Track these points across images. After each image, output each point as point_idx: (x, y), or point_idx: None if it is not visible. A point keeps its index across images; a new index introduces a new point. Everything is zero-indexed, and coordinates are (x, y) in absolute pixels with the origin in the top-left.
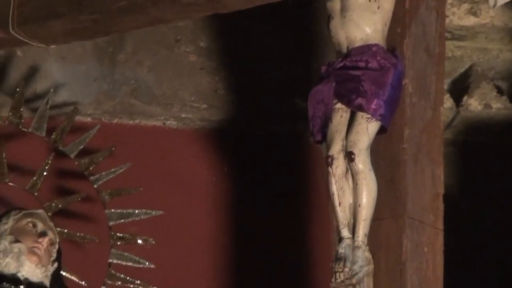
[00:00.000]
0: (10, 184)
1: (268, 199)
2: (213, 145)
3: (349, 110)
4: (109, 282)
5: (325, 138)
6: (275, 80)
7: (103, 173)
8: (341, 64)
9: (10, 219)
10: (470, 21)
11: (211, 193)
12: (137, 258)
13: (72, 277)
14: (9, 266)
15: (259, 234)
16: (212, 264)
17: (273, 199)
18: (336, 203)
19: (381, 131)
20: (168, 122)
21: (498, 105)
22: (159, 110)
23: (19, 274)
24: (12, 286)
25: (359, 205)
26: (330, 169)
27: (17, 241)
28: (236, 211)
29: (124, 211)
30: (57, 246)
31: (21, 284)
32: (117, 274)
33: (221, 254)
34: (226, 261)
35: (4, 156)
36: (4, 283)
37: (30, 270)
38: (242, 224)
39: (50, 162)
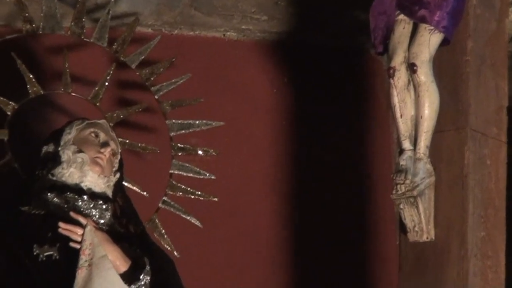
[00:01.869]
0: (73, 94)
1: (328, 110)
2: (273, 56)
3: (411, 22)
4: (170, 192)
5: (386, 50)
6: None
7: (164, 83)
8: None
9: (73, 129)
10: None
11: (271, 104)
12: (198, 169)
13: (134, 188)
14: (73, 176)
15: (319, 145)
16: (272, 174)
17: (333, 111)
18: (398, 115)
19: (444, 43)
20: (228, 33)
21: None
22: (219, 21)
23: (82, 184)
24: (76, 196)
25: (421, 117)
26: (391, 80)
27: (80, 151)
28: (296, 122)
29: (185, 122)
30: (119, 157)
31: (84, 194)
32: (178, 184)
33: (281, 163)
34: (287, 170)
35: (67, 66)
36: (68, 193)
37: (93, 180)
38: (302, 134)
39: (111, 72)
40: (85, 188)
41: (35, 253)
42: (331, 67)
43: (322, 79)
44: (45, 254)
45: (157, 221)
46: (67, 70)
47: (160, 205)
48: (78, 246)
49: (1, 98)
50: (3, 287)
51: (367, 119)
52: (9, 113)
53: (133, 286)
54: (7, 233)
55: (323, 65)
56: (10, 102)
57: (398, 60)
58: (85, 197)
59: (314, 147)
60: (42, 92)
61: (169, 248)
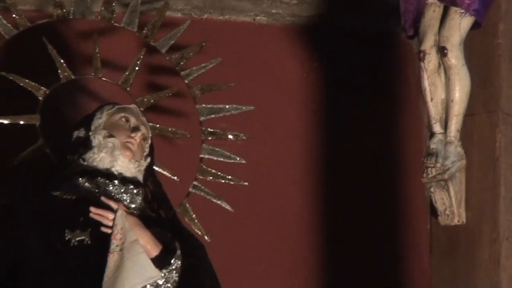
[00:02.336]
0: (103, 79)
1: (358, 95)
2: (304, 41)
3: (442, 5)
4: (201, 177)
5: (417, 33)
6: None
7: (194, 68)
8: None
9: (104, 114)
10: None
11: (301, 88)
12: (228, 153)
13: (165, 172)
14: (104, 161)
15: (349, 129)
16: (302, 158)
17: (363, 95)
18: (428, 98)
19: (475, 26)
20: (258, 17)
21: None
22: (249, 6)
23: (113, 169)
24: (107, 181)
25: (452, 100)
26: (422, 64)
27: (111, 136)
28: (326, 107)
29: (215, 106)
30: (149, 141)
31: (115, 179)
32: (208, 169)
33: (312, 148)
34: (317, 155)
35: (97, 51)
36: (99, 178)
37: (124, 165)
38: (332, 119)
39: (141, 57)
40: (116, 173)
41: (67, 238)
42: (361, 51)
43: (352, 63)
44: (77, 239)
45: (188, 206)
46: (98, 55)
47: (190, 189)
48: (109, 231)
49: (33, 83)
50: (36, 272)
51: (398, 103)
52: (40, 98)
53: (164, 271)
54: (39, 218)
55: (353, 49)
56: (42, 88)
57: (428, 44)
58: (116, 182)
59: (344, 131)
60: (73, 77)
61: (199, 233)
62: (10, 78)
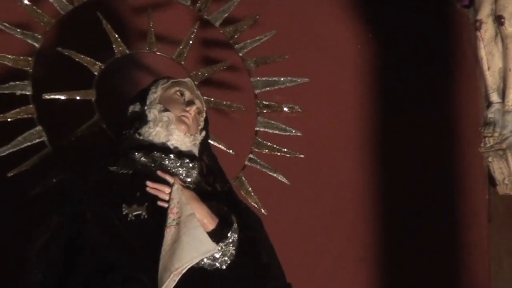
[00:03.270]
0: (158, 53)
1: (413, 65)
2: (358, 12)
3: None
4: (256, 150)
5: (473, 3)
6: None
7: (248, 41)
8: None
9: (158, 88)
10: None
11: (356, 60)
12: (284, 126)
13: (220, 146)
14: (159, 135)
15: (404, 100)
16: (357, 130)
17: (418, 65)
18: (485, 67)
19: None
20: None
21: None
22: None
23: (168, 143)
24: (163, 155)
25: (510, 69)
26: (478, 33)
27: (166, 110)
28: (381, 78)
29: (270, 79)
30: (204, 115)
31: (171, 153)
32: (264, 142)
33: (367, 121)
34: (372, 126)
35: (151, 25)
36: (155, 152)
37: (179, 138)
38: (387, 90)
39: (195, 31)
40: (171, 146)
41: (124, 213)
42: (417, 21)
43: (407, 33)
44: (134, 213)
45: (244, 179)
46: (152, 30)
47: (246, 162)
48: (165, 205)
49: (88, 59)
50: (94, 247)
51: (454, 74)
52: (96, 73)
53: (221, 244)
54: (97, 194)
55: (409, 20)
56: (97, 63)
57: (484, 13)
58: (171, 155)
59: (399, 102)
60: (127, 51)
61: (256, 206)
62: (66, 53)
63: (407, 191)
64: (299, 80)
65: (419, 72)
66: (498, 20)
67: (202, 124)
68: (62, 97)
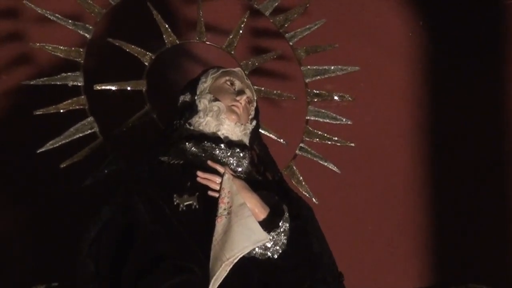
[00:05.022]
0: (208, 43)
1: (464, 54)
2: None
3: None
4: (307, 139)
5: None
6: None
7: (298, 30)
8: None
9: (208, 78)
10: None
11: (407, 48)
12: (334, 115)
13: (271, 135)
14: (210, 124)
15: (456, 88)
16: (408, 118)
17: (469, 54)
18: None
19: None
20: None
21: None
22: None
23: (219, 133)
24: (213, 145)
25: None
26: None
27: (216, 99)
28: (432, 66)
29: (320, 68)
30: (254, 104)
31: (221, 143)
32: (315, 131)
33: (418, 109)
34: (423, 114)
35: (201, 15)
36: (205, 142)
37: (230, 128)
38: (438, 78)
39: (245, 20)
40: (222, 136)
41: (175, 203)
42: (468, 10)
43: (458, 22)
44: (185, 203)
45: (295, 168)
46: (202, 19)
47: (297, 152)
48: (216, 195)
49: (139, 49)
50: (146, 238)
51: (504, 64)
52: (146, 63)
53: (273, 233)
54: (148, 184)
55: (459, 8)
56: (147, 53)
57: None
58: (222, 145)
59: (450, 90)
60: (177, 42)
61: (307, 195)
62: (117, 44)
63: (459, 179)
64: (349, 69)
65: (468, 62)
66: None
67: (252, 113)
68: (113, 88)
